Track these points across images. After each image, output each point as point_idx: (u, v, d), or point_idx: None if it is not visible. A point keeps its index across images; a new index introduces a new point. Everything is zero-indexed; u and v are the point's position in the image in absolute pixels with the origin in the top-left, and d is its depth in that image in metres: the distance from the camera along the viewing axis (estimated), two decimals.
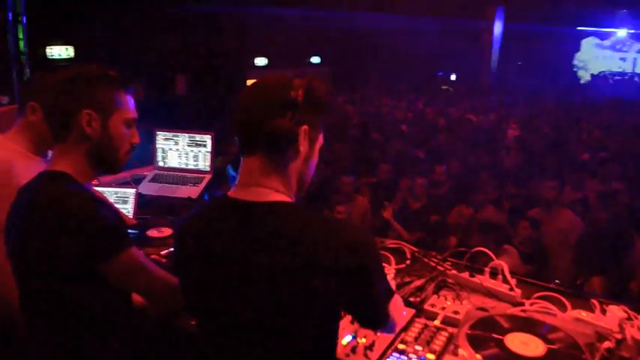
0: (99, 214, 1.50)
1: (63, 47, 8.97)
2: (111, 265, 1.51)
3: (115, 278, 1.54)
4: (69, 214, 1.46)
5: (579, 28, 20.24)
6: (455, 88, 20.00)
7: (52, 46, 8.85)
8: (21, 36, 8.00)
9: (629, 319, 1.80)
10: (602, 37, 21.62)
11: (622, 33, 21.12)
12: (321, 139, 1.41)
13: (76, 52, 9.11)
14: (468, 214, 5.18)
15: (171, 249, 2.38)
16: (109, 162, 1.65)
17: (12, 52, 7.98)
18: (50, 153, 2.12)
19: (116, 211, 1.61)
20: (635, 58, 21.52)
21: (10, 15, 7.84)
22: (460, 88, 19.49)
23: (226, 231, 1.30)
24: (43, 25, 8.36)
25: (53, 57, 8.89)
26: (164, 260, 2.30)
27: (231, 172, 5.44)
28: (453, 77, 21.57)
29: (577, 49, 22.11)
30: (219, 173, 3.92)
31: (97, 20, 8.97)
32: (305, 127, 1.32)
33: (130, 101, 1.65)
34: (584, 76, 22.16)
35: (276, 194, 1.32)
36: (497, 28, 19.05)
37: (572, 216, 4.91)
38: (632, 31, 20.63)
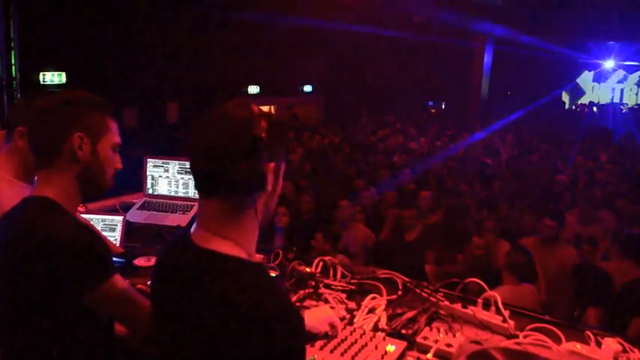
0: (82, 240, 1.47)
1: (56, 73, 8.98)
2: (94, 292, 1.47)
3: (97, 306, 1.50)
4: (52, 241, 1.43)
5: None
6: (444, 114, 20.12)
7: (45, 72, 8.85)
8: (13, 61, 8.01)
9: (624, 351, 1.78)
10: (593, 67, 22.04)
11: (609, 64, 21.51)
12: (283, 166, 1.33)
13: (68, 78, 9.12)
14: None
15: None
16: (96, 186, 1.65)
17: (4, 77, 7.97)
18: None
19: (101, 238, 1.57)
20: (622, 89, 21.93)
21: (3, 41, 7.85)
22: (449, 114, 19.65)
23: (175, 274, 1.27)
24: (36, 51, 8.38)
25: (46, 83, 8.88)
26: None
27: None
28: (443, 107, 21.74)
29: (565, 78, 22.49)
30: None
31: (89, 47, 9.01)
32: (272, 164, 1.25)
33: (115, 126, 1.66)
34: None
35: (230, 247, 1.23)
36: (487, 57, 19.32)
37: (573, 251, 4.85)
38: (621, 63, 21.04)
